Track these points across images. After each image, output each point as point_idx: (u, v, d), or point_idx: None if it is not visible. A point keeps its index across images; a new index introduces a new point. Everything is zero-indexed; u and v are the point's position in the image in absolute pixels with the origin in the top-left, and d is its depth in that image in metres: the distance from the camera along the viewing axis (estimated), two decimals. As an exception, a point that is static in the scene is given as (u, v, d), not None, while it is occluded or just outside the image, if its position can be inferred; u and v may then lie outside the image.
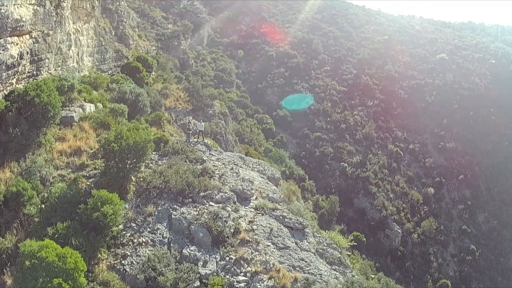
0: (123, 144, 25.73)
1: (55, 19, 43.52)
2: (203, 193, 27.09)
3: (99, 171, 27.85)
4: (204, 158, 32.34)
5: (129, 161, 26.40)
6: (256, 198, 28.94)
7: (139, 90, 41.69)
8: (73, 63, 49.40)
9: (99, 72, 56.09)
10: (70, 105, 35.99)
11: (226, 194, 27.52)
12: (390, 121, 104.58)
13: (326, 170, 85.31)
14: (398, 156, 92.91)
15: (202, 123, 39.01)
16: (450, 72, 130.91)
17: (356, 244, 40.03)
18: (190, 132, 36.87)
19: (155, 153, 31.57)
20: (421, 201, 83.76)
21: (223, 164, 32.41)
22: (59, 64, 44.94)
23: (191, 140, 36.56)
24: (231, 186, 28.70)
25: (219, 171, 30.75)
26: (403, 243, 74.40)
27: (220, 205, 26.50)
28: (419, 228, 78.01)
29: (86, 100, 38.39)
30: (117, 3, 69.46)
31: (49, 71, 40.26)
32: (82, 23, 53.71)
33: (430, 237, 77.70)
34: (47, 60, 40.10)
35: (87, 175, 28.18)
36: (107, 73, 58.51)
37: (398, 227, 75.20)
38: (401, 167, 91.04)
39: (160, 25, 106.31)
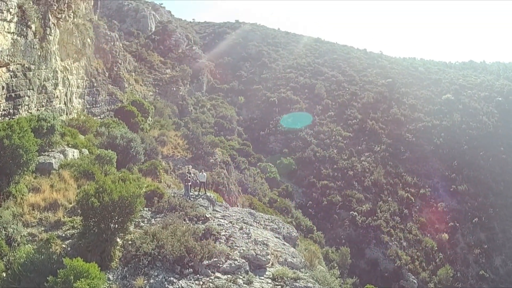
0: (106, 199, 20.22)
1: (39, 53, 38.76)
2: (207, 261, 21.21)
3: (78, 230, 22.22)
4: (207, 216, 26.77)
5: (113, 221, 20.76)
6: (273, 264, 23.12)
7: (132, 135, 36.50)
8: (60, 104, 44.30)
9: (90, 115, 50.93)
10: (49, 150, 30.64)
11: (236, 262, 21.67)
12: (398, 166, 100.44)
13: (335, 220, 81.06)
14: (409, 202, 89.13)
15: (204, 174, 33.60)
16: (457, 112, 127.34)
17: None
18: (190, 183, 31.28)
19: (147, 209, 26.17)
20: (436, 248, 79.63)
21: (230, 222, 26.78)
22: (43, 104, 39.83)
23: (191, 194, 31.15)
24: (242, 251, 22.89)
25: (225, 231, 25.00)
26: (420, 294, 69.89)
27: (229, 276, 20.66)
28: (435, 277, 73.10)
29: (70, 145, 33.09)
30: (112, 43, 65.06)
31: (29, 111, 35.12)
32: (71, 61, 48.97)
33: (447, 285, 72.69)
34: (27, 98, 35.00)
35: (63, 235, 22.60)
36: (99, 117, 53.45)
37: (413, 277, 71.09)
38: (412, 214, 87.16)
39: (158, 70, 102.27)
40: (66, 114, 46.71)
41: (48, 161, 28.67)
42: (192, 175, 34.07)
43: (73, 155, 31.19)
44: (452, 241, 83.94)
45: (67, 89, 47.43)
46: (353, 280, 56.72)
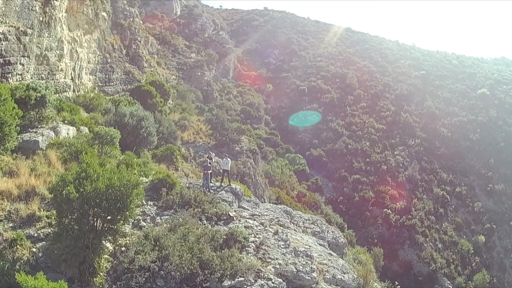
0: (88, 188, 14.09)
1: (40, 18, 33.00)
2: (228, 282, 14.73)
3: (55, 229, 16.15)
4: (231, 214, 20.34)
5: (99, 219, 14.69)
6: (318, 283, 16.69)
7: (143, 113, 30.27)
8: (65, 78, 38.52)
9: (101, 94, 45.06)
10: (38, 126, 24.77)
11: (270, 283, 15.14)
12: (434, 162, 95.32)
13: (367, 218, 75.86)
14: (445, 201, 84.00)
15: (228, 160, 27.01)
16: (493, 108, 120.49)
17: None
18: (210, 172, 24.89)
19: (152, 203, 20.07)
20: (472, 251, 74.89)
21: (262, 224, 20.28)
22: (43, 76, 34.09)
23: (211, 185, 24.89)
24: (278, 265, 16.37)
25: (255, 236, 18.47)
26: (455, 301, 66.57)
27: (260, 303, 14.32)
28: (471, 283, 68.82)
29: (66, 122, 27.08)
30: (131, 19, 59.23)
31: (22, 82, 29.27)
32: (82, 32, 43.16)
33: (483, 292, 68.44)
34: (20, 66, 29.21)
35: (35, 235, 16.78)
36: (112, 96, 47.48)
37: (448, 282, 67.04)
38: (448, 213, 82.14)
39: (182, 53, 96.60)
40: (74, 90, 41.06)
41: (34, 138, 22.80)
42: (214, 162, 27.63)
43: (68, 133, 25.22)
44: (489, 244, 79.31)
45: (75, 63, 41.78)
46: (385, 284, 52.05)
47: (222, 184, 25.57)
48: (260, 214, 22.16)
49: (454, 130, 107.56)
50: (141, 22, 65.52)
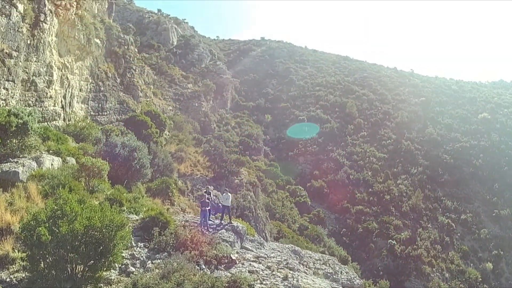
0: (64, 229, 11.66)
1: (28, 41, 31.03)
2: None
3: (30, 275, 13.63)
4: (233, 257, 17.69)
5: (77, 266, 12.23)
6: (335, 338, 14.06)
7: (136, 144, 27.90)
8: (54, 106, 36.32)
9: (94, 123, 42.79)
10: (20, 156, 22.40)
11: None
12: (437, 190, 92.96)
13: (371, 249, 73.52)
14: (450, 229, 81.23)
15: (229, 194, 24.39)
16: (495, 132, 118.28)
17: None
18: (209, 208, 22.36)
19: (142, 245, 17.47)
20: (480, 279, 72.04)
21: (268, 268, 17.58)
22: (30, 103, 31.94)
23: (210, 222, 22.39)
24: (290, 318, 13.84)
25: (262, 283, 15.82)
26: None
27: None
28: None
29: (51, 151, 24.71)
30: (125, 47, 57.40)
31: (4, 107, 27.06)
32: (73, 59, 41.18)
33: (493, 321, 66.83)
34: (3, 91, 27.03)
35: (8, 279, 14.29)
36: (104, 126, 45.20)
37: None
38: (454, 241, 79.64)
39: (179, 84, 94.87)
40: (64, 119, 38.83)
41: (14, 169, 20.36)
42: (212, 196, 25.00)
43: (52, 164, 22.80)
44: (497, 271, 76.85)
45: (65, 90, 39.66)
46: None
47: (222, 221, 23.11)
48: (266, 256, 19.53)
49: (457, 157, 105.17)
50: (137, 50, 63.66)
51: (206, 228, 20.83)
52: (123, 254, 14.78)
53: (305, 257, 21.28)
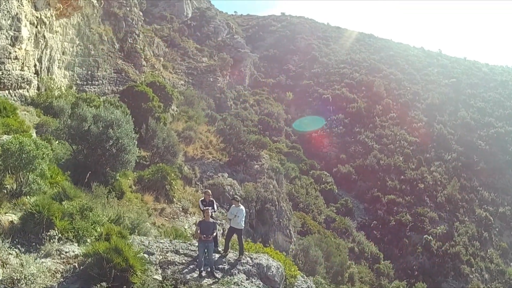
0: None
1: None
2: None
3: None
4: None
5: None
6: None
7: (114, 117, 19.18)
8: (21, 70, 27.89)
9: (82, 94, 34.24)
10: None
11: None
12: (473, 179, 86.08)
13: (404, 245, 67.17)
14: (488, 223, 75.15)
15: (242, 208, 14.29)
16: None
17: None
18: (212, 235, 12.96)
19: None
20: None
21: None
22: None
23: (214, 258, 12.78)
24: None
25: None
26: None
27: None
28: None
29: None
30: (127, 8, 48.71)
31: None
32: (54, 13, 32.59)
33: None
34: None
35: None
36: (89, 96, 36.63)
37: None
38: (492, 237, 73.63)
39: (193, 57, 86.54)
40: (39, 88, 30.47)
41: None
42: (215, 210, 14.43)
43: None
44: None
45: (42, 52, 31.17)
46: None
47: (224, 254, 13.72)
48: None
49: (492, 143, 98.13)
50: (141, 14, 54.93)
51: (204, 270, 11.70)
52: None
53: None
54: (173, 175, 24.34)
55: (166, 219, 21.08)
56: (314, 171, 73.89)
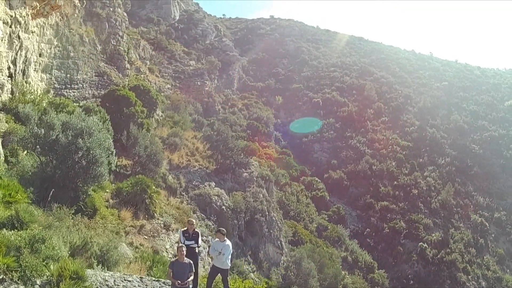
0: None
1: None
2: None
3: None
4: None
5: None
6: None
7: (85, 124, 17.14)
8: (-9, 73, 25.80)
9: (60, 99, 32.10)
10: None
11: None
12: (467, 184, 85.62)
13: (399, 253, 65.75)
14: (484, 229, 74.62)
15: (228, 244, 12.35)
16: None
17: None
18: (190, 279, 10.79)
19: None
20: None
21: None
22: None
23: None
24: None
25: None
26: None
27: None
28: None
29: None
30: (110, 9, 46.62)
31: None
32: (29, 13, 30.43)
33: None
34: None
35: None
36: (76, 104, 34.49)
37: None
38: (488, 243, 73.03)
39: (180, 60, 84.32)
40: (13, 92, 28.32)
41: None
42: (199, 246, 11.99)
43: None
44: None
45: (16, 54, 29.03)
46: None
47: None
48: None
49: (486, 147, 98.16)
50: (126, 15, 52.85)
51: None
52: None
53: None
54: (153, 187, 22.35)
55: (146, 237, 19.06)
56: (305, 177, 72.08)
